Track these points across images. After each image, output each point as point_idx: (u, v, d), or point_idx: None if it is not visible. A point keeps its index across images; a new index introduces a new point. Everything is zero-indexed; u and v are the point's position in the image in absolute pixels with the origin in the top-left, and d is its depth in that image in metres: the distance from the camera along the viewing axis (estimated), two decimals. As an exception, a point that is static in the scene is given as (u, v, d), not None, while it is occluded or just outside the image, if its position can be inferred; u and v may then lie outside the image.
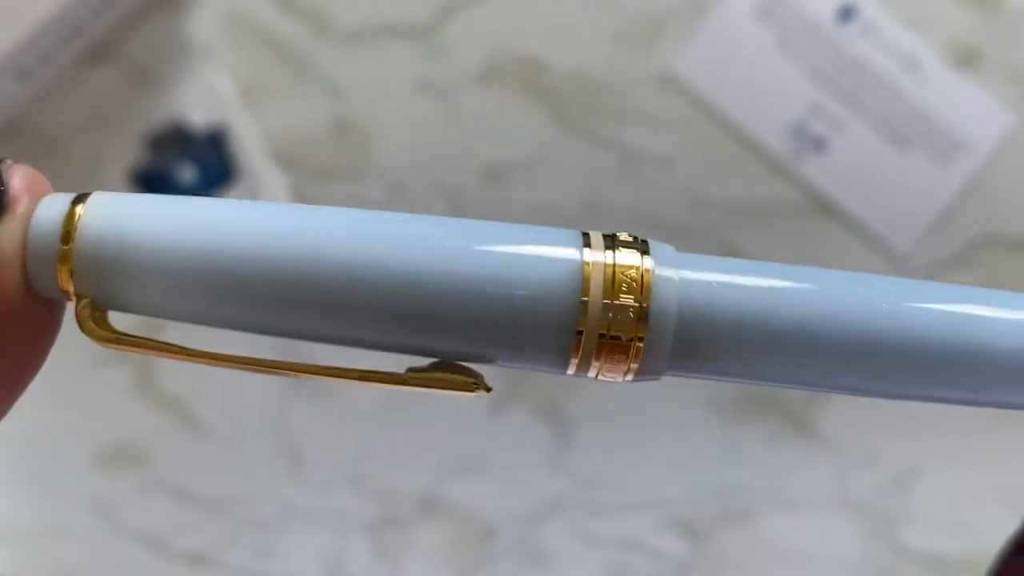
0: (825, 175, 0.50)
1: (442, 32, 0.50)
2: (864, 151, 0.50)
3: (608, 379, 0.14)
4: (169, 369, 0.50)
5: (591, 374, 0.14)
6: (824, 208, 0.50)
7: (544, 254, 0.13)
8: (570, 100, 0.50)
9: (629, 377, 0.14)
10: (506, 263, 0.13)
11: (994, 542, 0.50)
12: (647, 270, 0.14)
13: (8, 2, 0.42)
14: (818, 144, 0.50)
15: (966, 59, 0.51)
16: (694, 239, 0.50)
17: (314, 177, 0.50)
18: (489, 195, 0.50)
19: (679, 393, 0.49)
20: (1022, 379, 0.15)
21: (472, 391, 0.14)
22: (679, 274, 0.15)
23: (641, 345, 0.13)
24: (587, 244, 0.14)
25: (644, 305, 0.13)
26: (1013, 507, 0.50)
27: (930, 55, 0.51)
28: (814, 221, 0.50)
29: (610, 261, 0.14)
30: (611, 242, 0.14)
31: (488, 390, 0.14)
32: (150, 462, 0.50)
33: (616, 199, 0.50)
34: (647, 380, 0.15)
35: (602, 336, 0.13)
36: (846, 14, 0.51)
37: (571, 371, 0.14)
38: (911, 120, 0.51)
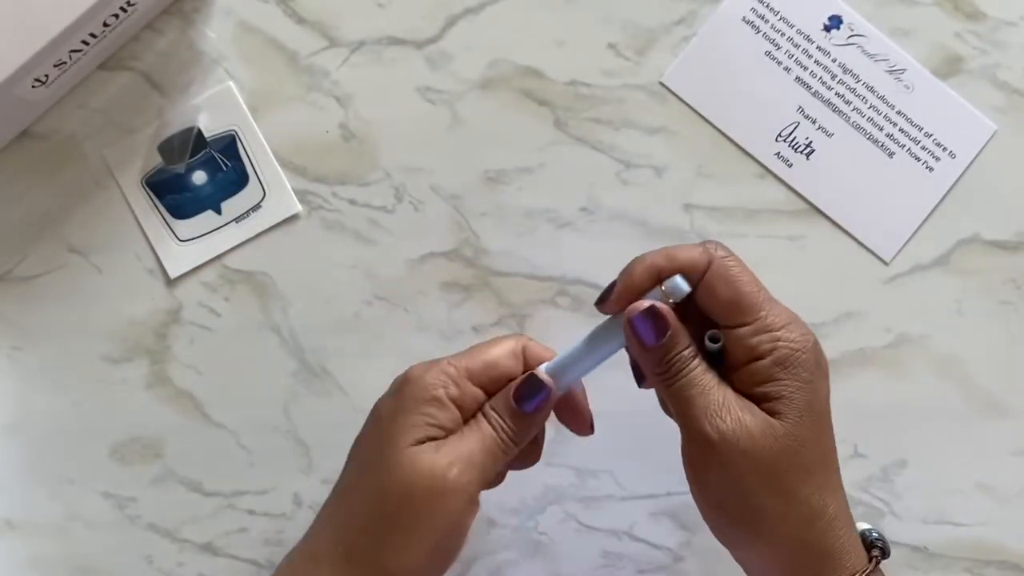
0: (813, 180, 0.51)
1: (444, 43, 0.51)
2: (851, 157, 0.51)
3: None
4: (181, 366, 0.51)
5: None
6: (812, 212, 0.51)
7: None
8: (567, 108, 0.51)
9: None
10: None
11: (975, 531, 0.51)
12: None
13: (25, 12, 0.43)
14: (806, 150, 0.52)
15: (950, 68, 0.52)
16: (685, 241, 0.50)
17: (321, 182, 0.51)
18: (489, 198, 0.51)
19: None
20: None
21: None
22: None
23: None
24: None
25: None
26: (993, 498, 0.51)
27: (915, 64, 0.52)
28: (802, 224, 0.51)
29: None
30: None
31: None
32: (163, 456, 0.51)
33: (611, 203, 0.51)
34: None
35: None
36: (833, 24, 0.52)
37: None
38: (897, 127, 0.52)
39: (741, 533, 0.39)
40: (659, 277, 0.39)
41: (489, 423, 0.40)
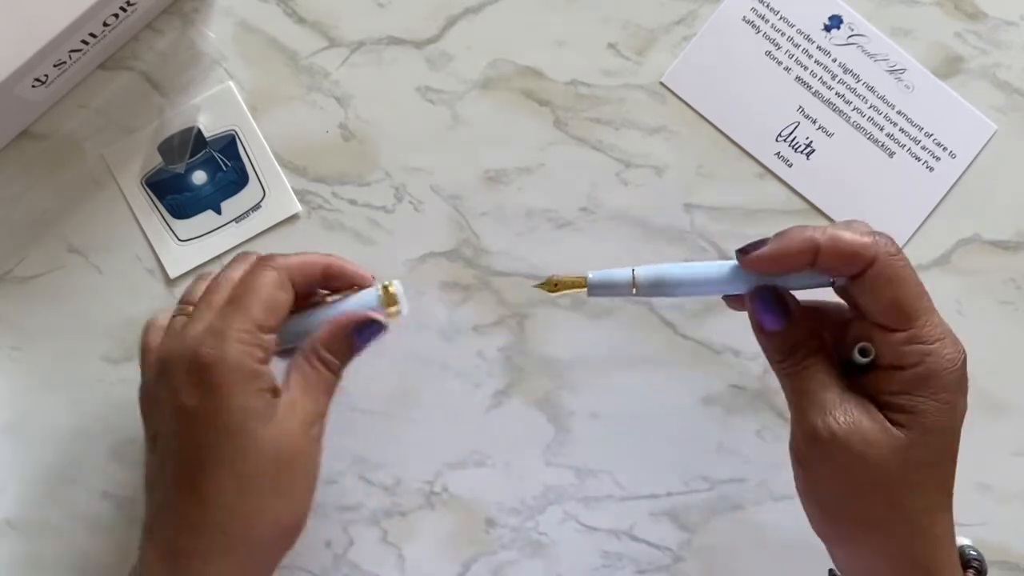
0: (813, 180, 0.51)
1: (444, 43, 0.52)
2: (851, 157, 0.51)
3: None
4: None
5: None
6: (812, 212, 0.51)
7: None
8: (567, 108, 0.51)
9: None
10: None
11: (975, 531, 0.51)
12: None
13: (25, 12, 0.44)
14: (806, 150, 0.52)
15: (950, 67, 0.52)
16: (686, 241, 0.51)
17: (321, 182, 0.51)
18: (489, 198, 0.51)
19: (673, 389, 0.50)
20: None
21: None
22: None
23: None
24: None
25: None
26: (993, 498, 0.51)
27: (915, 64, 0.52)
28: (802, 224, 0.51)
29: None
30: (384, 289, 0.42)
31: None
32: (163, 456, 0.51)
33: (611, 203, 0.51)
34: None
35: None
36: (833, 24, 0.52)
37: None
38: (897, 127, 0.52)
39: (842, 532, 0.38)
40: (815, 253, 0.37)
41: (328, 368, 0.41)
